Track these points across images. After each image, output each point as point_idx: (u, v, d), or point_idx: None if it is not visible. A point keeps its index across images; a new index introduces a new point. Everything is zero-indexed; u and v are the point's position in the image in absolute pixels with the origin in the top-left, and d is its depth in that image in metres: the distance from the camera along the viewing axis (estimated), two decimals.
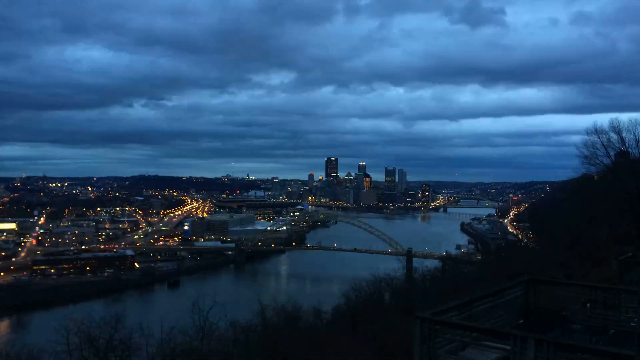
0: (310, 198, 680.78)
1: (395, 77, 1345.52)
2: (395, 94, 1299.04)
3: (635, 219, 52.38)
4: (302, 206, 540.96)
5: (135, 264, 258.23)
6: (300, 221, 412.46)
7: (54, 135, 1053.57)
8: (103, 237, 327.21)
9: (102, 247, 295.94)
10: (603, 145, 58.63)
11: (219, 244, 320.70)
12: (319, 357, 43.18)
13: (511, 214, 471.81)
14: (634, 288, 23.14)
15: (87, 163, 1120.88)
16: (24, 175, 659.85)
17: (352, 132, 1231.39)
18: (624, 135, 57.24)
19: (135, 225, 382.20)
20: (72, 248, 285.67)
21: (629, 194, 54.29)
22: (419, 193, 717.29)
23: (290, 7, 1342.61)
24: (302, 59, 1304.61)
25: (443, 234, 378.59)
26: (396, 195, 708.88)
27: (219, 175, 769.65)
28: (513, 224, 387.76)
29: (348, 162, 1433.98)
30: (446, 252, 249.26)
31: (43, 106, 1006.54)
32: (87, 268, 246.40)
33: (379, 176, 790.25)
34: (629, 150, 58.34)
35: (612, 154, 60.36)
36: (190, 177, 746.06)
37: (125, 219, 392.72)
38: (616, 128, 57.65)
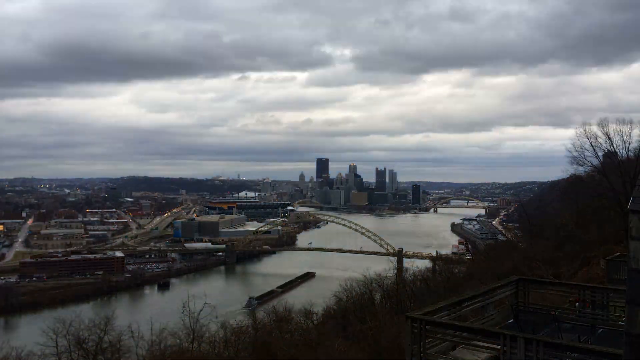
0: (301, 199, 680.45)
1: None
2: None
3: (623, 218, 52.90)
4: (293, 207, 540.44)
5: (125, 265, 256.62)
6: (291, 222, 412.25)
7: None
8: (92, 238, 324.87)
9: (91, 248, 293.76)
10: (592, 146, 59.32)
11: (209, 245, 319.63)
12: (310, 358, 43.19)
13: (501, 214, 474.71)
14: (622, 287, 23.33)
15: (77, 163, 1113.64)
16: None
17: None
18: (611, 136, 57.95)
19: (125, 226, 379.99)
20: (60, 250, 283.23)
21: (616, 194, 54.88)
22: (410, 193, 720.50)
23: None
24: None
25: (433, 234, 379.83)
26: (387, 196, 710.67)
27: (209, 176, 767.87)
28: (502, 224, 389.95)
29: (339, 163, 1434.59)
30: (437, 252, 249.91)
31: None
32: (77, 270, 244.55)
33: (369, 177, 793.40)
34: (617, 151, 59.00)
35: (600, 154, 61.08)
36: (181, 178, 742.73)
37: (115, 220, 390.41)
38: (604, 129, 58.33)
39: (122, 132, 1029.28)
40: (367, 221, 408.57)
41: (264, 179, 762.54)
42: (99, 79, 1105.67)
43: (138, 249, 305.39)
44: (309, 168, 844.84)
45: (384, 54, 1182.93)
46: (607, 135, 58.04)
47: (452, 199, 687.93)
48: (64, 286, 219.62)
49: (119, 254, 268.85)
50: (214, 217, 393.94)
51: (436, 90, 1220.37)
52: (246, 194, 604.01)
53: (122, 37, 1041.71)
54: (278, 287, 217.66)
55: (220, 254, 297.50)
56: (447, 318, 18.57)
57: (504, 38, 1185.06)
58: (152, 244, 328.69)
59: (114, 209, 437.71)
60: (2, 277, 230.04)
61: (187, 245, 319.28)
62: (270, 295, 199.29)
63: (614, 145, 58.31)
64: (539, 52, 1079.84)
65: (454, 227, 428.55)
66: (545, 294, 26.76)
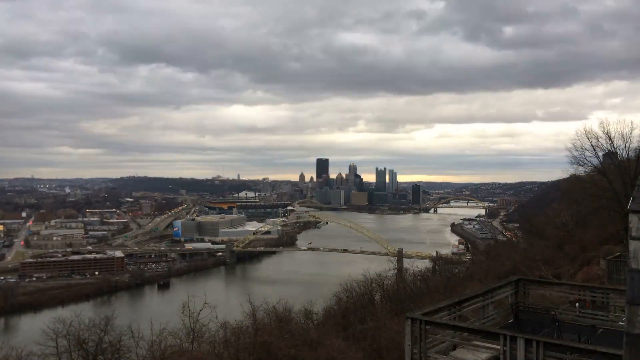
0: (301, 199, 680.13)
1: None
2: None
3: (623, 219, 52.90)
4: (293, 207, 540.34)
5: (125, 265, 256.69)
6: (291, 222, 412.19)
7: None
8: (92, 239, 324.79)
9: (91, 248, 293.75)
10: (592, 146, 59.20)
11: (209, 245, 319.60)
12: (310, 358, 43.18)
13: (501, 214, 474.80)
14: (622, 288, 23.34)
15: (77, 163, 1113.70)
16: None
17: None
18: (612, 136, 57.83)
19: (125, 226, 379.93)
20: (60, 250, 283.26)
21: (617, 194, 54.84)
22: (410, 193, 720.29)
23: None
24: None
25: (433, 234, 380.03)
26: (387, 196, 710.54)
27: (209, 176, 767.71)
28: (503, 224, 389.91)
29: (339, 162, 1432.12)
30: (437, 252, 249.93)
31: None
32: (77, 270, 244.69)
33: (369, 177, 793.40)
34: (617, 151, 58.89)
35: (600, 154, 60.99)
36: (181, 178, 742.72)
37: (115, 220, 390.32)
38: (605, 129, 58.21)
39: None
40: (367, 221, 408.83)
41: (264, 179, 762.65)
42: None
43: (138, 249, 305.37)
44: (309, 168, 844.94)
45: None
46: (608, 135, 57.91)
47: (452, 199, 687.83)
48: (64, 286, 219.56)
49: (119, 254, 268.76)
50: (214, 217, 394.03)
51: None
52: (246, 194, 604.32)
53: None
54: None
55: (220, 254, 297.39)
56: (447, 318, 18.57)
57: None
58: (152, 244, 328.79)
59: (114, 209, 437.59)
60: (2, 277, 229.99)
61: (187, 245, 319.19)
62: None
63: (615, 146, 58.22)
64: None
65: (454, 227, 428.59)
66: (545, 294, 26.76)
